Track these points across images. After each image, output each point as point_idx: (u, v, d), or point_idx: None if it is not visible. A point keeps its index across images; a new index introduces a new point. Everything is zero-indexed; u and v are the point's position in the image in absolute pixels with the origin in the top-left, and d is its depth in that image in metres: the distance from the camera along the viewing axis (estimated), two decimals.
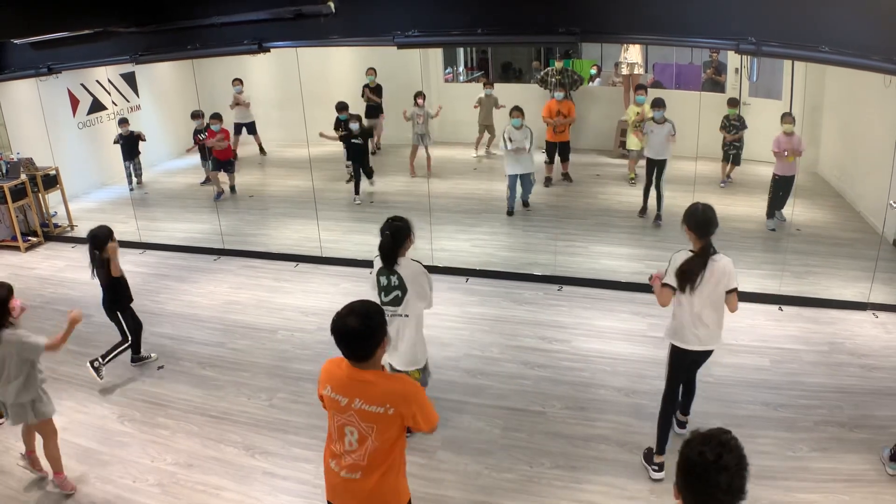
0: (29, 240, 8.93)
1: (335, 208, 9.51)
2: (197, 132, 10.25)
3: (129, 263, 8.15)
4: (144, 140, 10.46)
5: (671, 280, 4.08)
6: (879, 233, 7.29)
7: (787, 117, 7.81)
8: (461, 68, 14.81)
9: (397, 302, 4.29)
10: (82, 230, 9.38)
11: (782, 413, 4.89)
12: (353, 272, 7.42)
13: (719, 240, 4.10)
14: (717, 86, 10.95)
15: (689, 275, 4.02)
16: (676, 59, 11.97)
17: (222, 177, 10.28)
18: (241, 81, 11.24)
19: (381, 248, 4.26)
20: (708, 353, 4.29)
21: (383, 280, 4.31)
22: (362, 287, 7.15)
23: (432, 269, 7.26)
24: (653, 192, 8.54)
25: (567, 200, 9.40)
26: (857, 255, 7.23)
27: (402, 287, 4.26)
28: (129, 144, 10.35)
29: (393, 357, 4.39)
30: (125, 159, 10.39)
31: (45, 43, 7.16)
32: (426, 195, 8.21)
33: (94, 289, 7.42)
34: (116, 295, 5.61)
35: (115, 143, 10.32)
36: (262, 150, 12.06)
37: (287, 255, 8.10)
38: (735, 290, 4.08)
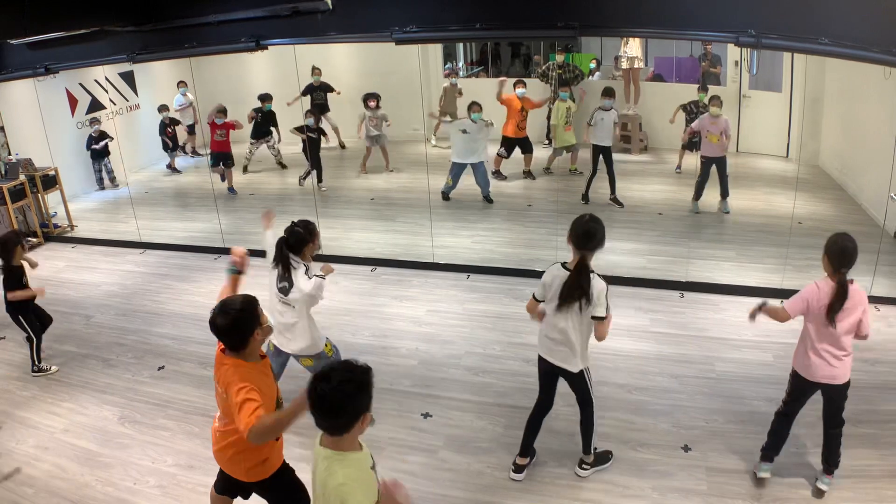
0: (29, 240, 8.90)
1: (335, 206, 9.50)
2: (164, 126, 11.03)
3: (129, 263, 8.22)
4: (112, 139, 10.54)
5: (539, 293, 4.06)
6: (881, 225, 7.26)
7: (714, 101, 8.21)
8: (461, 63, 14.76)
9: (285, 292, 4.50)
10: (82, 230, 9.40)
11: None
12: (353, 269, 7.40)
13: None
14: (713, 78, 10.91)
15: (570, 295, 3.86)
16: (676, 52, 11.94)
17: (219, 174, 10.31)
18: (185, 83, 11.47)
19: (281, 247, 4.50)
20: (565, 372, 4.17)
21: (277, 270, 4.54)
22: (362, 285, 7.20)
23: (432, 266, 7.33)
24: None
25: (567, 195, 9.36)
26: (859, 248, 7.15)
27: (290, 280, 4.48)
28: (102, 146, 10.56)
29: (289, 345, 4.62)
30: (95, 160, 10.63)
31: (42, 43, 7.13)
32: (426, 191, 8.19)
33: (93, 290, 7.50)
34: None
35: (88, 147, 10.48)
36: (194, 150, 12.28)
37: None
38: (603, 318, 3.91)
